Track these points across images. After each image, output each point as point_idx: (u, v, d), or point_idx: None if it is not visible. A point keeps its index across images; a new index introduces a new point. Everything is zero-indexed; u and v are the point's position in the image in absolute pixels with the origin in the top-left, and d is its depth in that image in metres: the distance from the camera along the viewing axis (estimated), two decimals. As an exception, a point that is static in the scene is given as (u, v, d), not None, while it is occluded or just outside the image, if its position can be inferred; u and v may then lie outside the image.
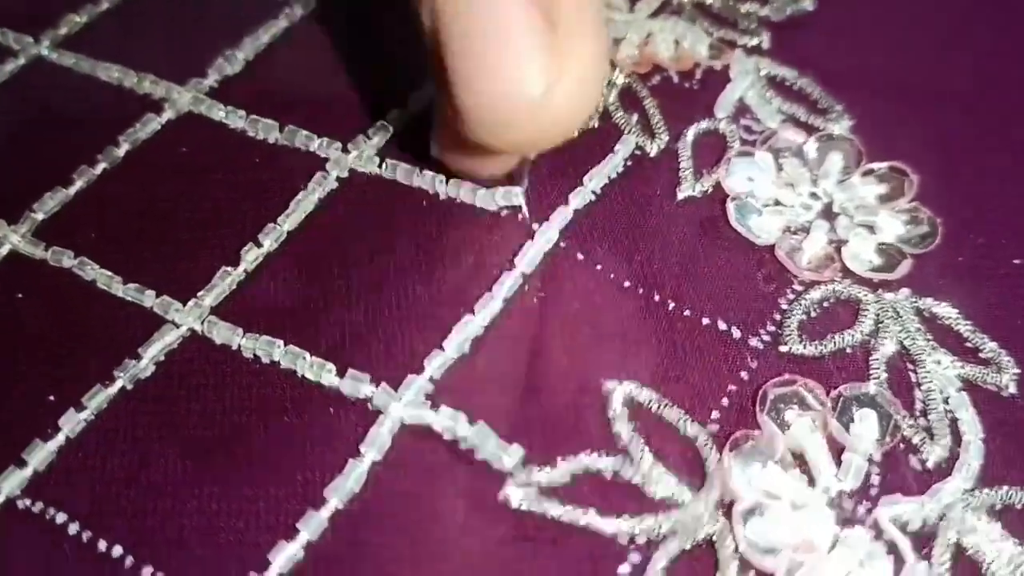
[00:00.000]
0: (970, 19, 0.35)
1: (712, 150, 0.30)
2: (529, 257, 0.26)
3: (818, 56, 0.33)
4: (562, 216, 0.28)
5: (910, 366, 0.25)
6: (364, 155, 0.29)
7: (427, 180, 0.28)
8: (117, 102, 0.31)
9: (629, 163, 0.30)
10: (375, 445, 0.23)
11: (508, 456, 0.23)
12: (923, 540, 0.23)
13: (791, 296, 0.27)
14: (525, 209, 0.27)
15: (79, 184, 0.29)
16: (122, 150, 0.30)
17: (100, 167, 0.29)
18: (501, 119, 0.21)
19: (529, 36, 0.20)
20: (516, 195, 0.27)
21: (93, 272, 0.27)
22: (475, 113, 0.21)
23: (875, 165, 0.29)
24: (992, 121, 0.31)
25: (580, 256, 0.27)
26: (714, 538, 0.22)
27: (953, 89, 0.32)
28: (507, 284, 0.26)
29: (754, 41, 0.34)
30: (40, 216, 0.28)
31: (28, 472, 0.23)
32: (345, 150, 0.29)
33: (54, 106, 0.31)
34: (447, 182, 0.28)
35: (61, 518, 0.22)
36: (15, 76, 0.32)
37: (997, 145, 0.31)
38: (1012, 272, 0.28)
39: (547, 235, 0.27)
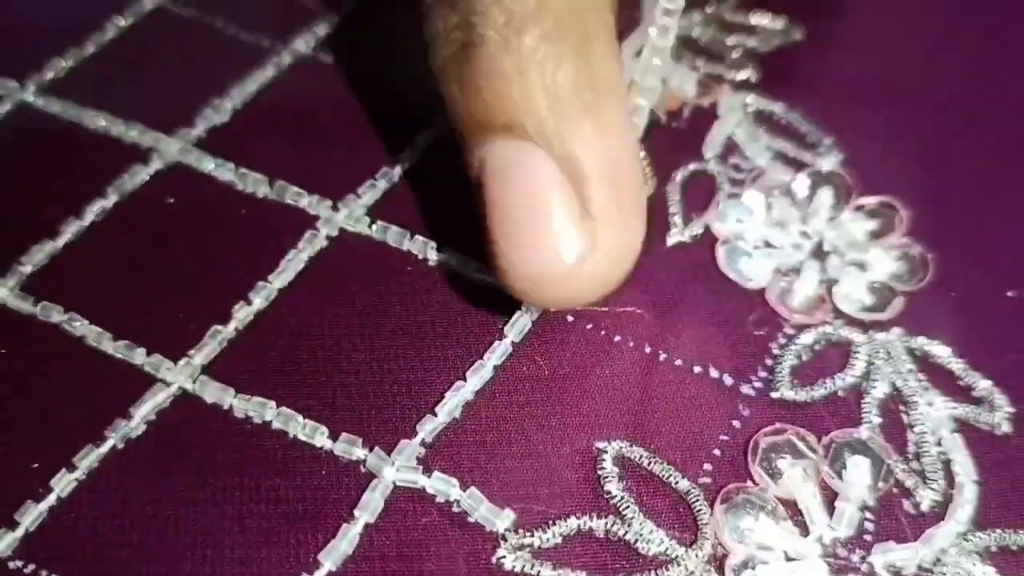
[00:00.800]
0: (964, 50, 0.35)
1: (702, 192, 0.30)
2: (519, 326, 0.27)
3: (808, 88, 0.34)
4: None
5: (903, 408, 0.26)
6: (354, 215, 0.29)
7: (418, 245, 0.28)
8: (104, 151, 0.31)
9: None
10: (368, 508, 0.23)
11: (500, 520, 0.23)
12: (918, 588, 0.22)
13: (782, 340, 0.27)
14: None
15: (67, 236, 0.29)
16: (110, 201, 0.29)
17: (88, 219, 0.29)
18: (536, 283, 0.23)
19: (564, 215, 0.23)
20: None
21: (83, 328, 0.26)
22: (513, 275, 0.23)
23: (865, 200, 0.30)
24: (984, 152, 0.32)
25: (570, 317, 0.27)
26: (708, 595, 0.22)
27: (944, 121, 0.33)
28: (497, 351, 0.26)
29: (742, 75, 0.34)
30: (28, 269, 0.28)
31: (20, 533, 0.23)
32: (335, 208, 0.29)
33: (40, 154, 0.31)
34: (438, 248, 0.28)
35: (52, 581, 0.22)
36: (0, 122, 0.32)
37: (989, 177, 0.31)
38: (1005, 306, 0.28)
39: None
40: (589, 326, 0.27)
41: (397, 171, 0.30)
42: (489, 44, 0.23)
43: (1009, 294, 0.28)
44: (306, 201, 0.29)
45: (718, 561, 0.23)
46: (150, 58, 0.34)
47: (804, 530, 0.23)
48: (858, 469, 0.24)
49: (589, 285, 0.24)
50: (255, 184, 0.30)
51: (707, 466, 0.24)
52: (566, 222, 0.23)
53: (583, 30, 0.23)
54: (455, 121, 0.25)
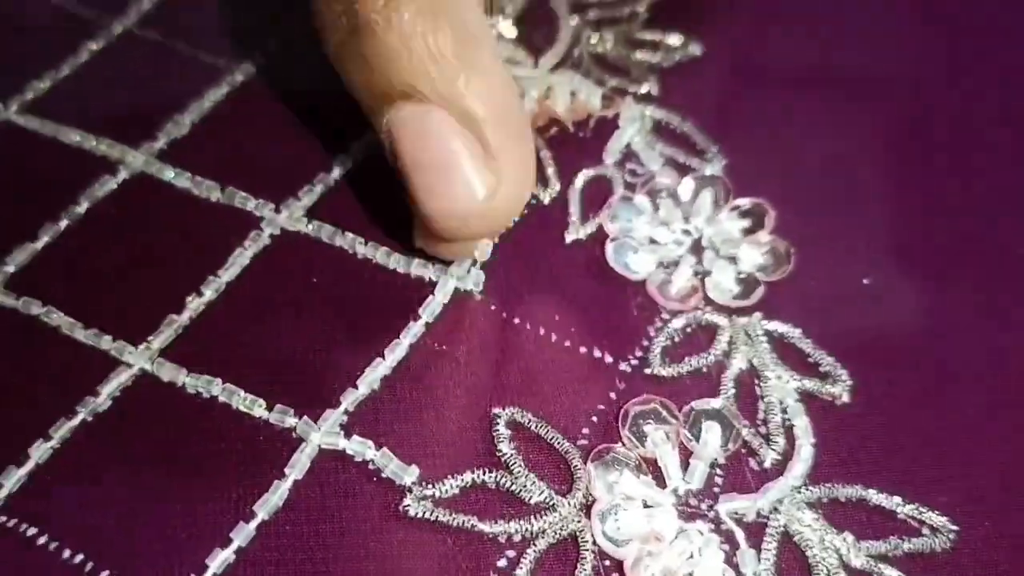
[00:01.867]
0: (838, 70, 0.39)
1: (599, 194, 0.35)
2: (431, 307, 0.31)
3: (702, 99, 0.38)
4: (460, 264, 0.32)
5: (756, 381, 0.30)
6: (294, 215, 0.33)
7: (348, 240, 0.33)
8: (77, 163, 0.35)
9: (525, 212, 0.34)
10: (297, 467, 0.28)
11: (407, 475, 0.28)
12: (756, 529, 0.27)
13: (658, 324, 0.31)
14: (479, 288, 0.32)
15: (45, 239, 0.33)
16: (82, 208, 0.34)
17: (63, 224, 0.33)
18: (457, 221, 0.28)
19: (470, 160, 0.27)
20: (477, 280, 0.32)
21: (58, 319, 0.31)
22: (436, 217, 0.28)
23: (740, 201, 0.34)
24: (854, 154, 0.36)
25: (478, 298, 0.31)
26: (577, 533, 0.27)
27: (814, 130, 0.37)
28: (412, 331, 0.30)
29: (643, 88, 0.38)
30: (11, 269, 0.32)
31: (3, 493, 0.27)
32: (277, 210, 0.33)
33: (21, 167, 0.35)
34: (365, 243, 0.32)
35: (32, 531, 0.27)
36: (-15, 139, 0.36)
37: (850, 177, 0.36)
38: (856, 294, 0.32)
39: (447, 286, 0.32)
40: (493, 307, 0.31)
41: (333, 175, 0.35)
42: (373, 26, 0.26)
43: (865, 281, 0.33)
44: (252, 204, 0.34)
45: (587, 508, 0.27)
46: (119, 78, 0.38)
47: (662, 483, 0.28)
48: (711, 432, 0.29)
49: (501, 214, 0.28)
50: (208, 190, 0.34)
51: (585, 430, 0.29)
52: (473, 166, 0.27)
53: None
54: (357, 97, 0.28)
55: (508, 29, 0.39)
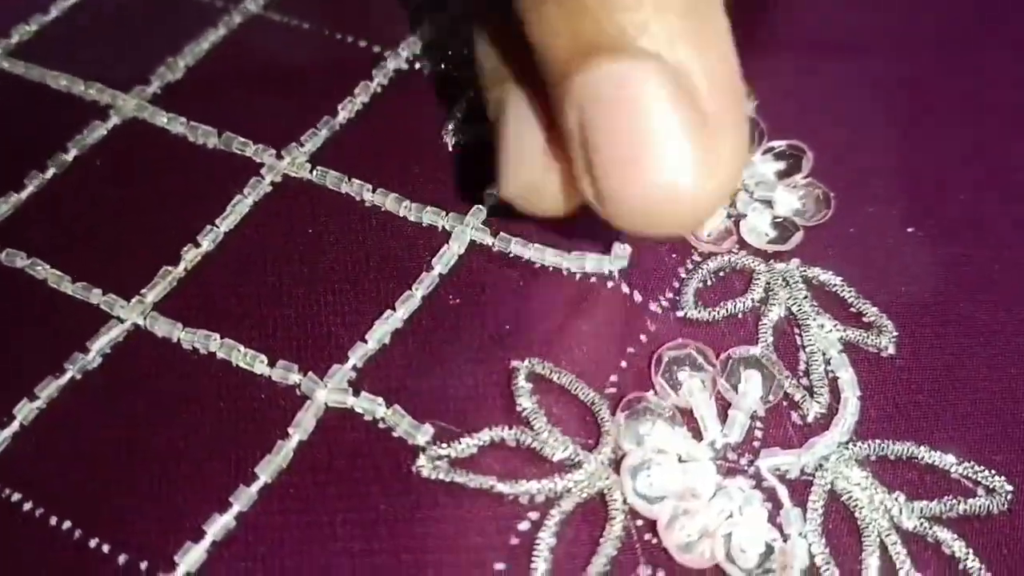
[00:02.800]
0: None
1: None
2: (446, 258, 0.29)
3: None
4: (477, 214, 0.30)
5: (796, 330, 0.28)
6: (296, 161, 0.31)
7: (355, 187, 0.30)
8: (65, 109, 0.33)
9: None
10: (301, 426, 0.26)
11: (421, 434, 0.25)
12: (800, 487, 0.25)
13: (690, 266, 0.29)
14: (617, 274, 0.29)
15: (30, 189, 0.31)
16: (70, 155, 0.32)
17: (50, 172, 0.31)
18: (651, 210, 0.22)
19: (684, 132, 0.21)
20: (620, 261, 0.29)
21: (44, 272, 0.29)
22: (624, 202, 0.22)
23: (775, 143, 0.32)
24: (886, 98, 0.34)
25: (496, 248, 0.29)
26: (605, 492, 0.25)
27: (852, 70, 0.35)
28: (425, 283, 0.28)
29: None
30: (-6, 220, 0.30)
31: (-15, 457, 0.25)
32: (279, 156, 0.31)
33: (6, 113, 0.33)
34: (373, 191, 0.30)
35: (16, 497, 0.25)
36: (-33, 85, 0.34)
37: (889, 120, 0.33)
38: (900, 241, 0.30)
39: (463, 236, 0.29)
40: (511, 255, 0.29)
41: (338, 120, 0.32)
42: None
43: (909, 230, 0.30)
44: (251, 150, 0.31)
45: (616, 463, 0.25)
46: (108, 21, 0.36)
47: (698, 436, 0.26)
48: (750, 382, 0.26)
49: (707, 205, 0.23)
50: (205, 136, 0.32)
51: (613, 377, 0.27)
52: (688, 136, 0.21)
53: None
54: (549, 55, 0.23)
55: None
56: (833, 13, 0.37)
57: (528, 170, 0.25)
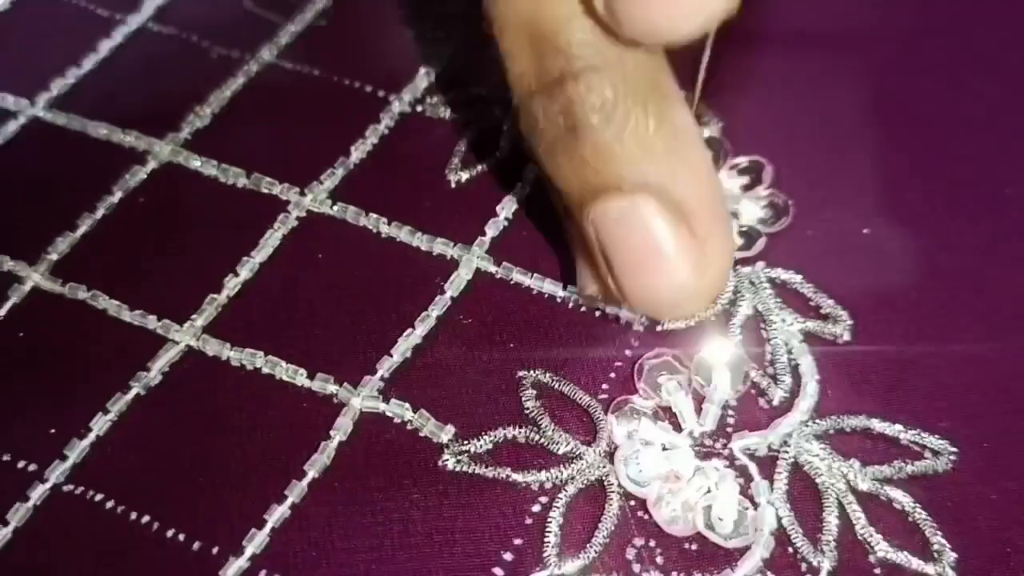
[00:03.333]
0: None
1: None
2: (456, 284, 0.33)
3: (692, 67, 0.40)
4: (481, 244, 0.34)
5: (762, 325, 0.32)
6: (318, 198, 0.35)
7: (371, 221, 0.35)
8: (106, 155, 0.37)
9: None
10: (341, 429, 0.30)
11: (444, 433, 0.30)
12: (767, 462, 0.29)
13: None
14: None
15: (83, 229, 0.35)
16: (116, 197, 0.36)
17: (99, 213, 0.35)
18: (668, 305, 0.29)
19: (680, 247, 0.28)
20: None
21: (104, 302, 0.33)
22: (640, 302, 0.29)
23: (738, 160, 0.36)
24: (837, 109, 0.38)
25: (499, 276, 0.34)
26: (603, 478, 0.29)
27: (805, 87, 0.39)
28: (439, 305, 0.33)
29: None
30: (54, 257, 0.34)
31: (68, 464, 0.29)
32: (302, 193, 0.35)
33: (53, 160, 0.37)
34: (389, 223, 0.34)
35: (99, 497, 0.29)
36: (16, 135, 0.38)
37: (846, 133, 0.37)
38: (853, 239, 0.34)
39: (471, 264, 0.34)
40: (512, 282, 0.33)
41: (353, 159, 0.37)
42: (591, 126, 0.27)
43: (865, 231, 0.35)
44: (278, 189, 0.36)
45: (611, 455, 0.29)
46: (138, 73, 0.40)
47: (678, 428, 0.30)
48: (721, 376, 0.31)
49: (709, 296, 0.30)
50: (235, 176, 0.36)
51: (605, 385, 0.31)
52: (684, 252, 0.28)
53: (660, 93, 0.28)
54: (565, 193, 0.29)
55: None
56: (784, 18, 0.42)
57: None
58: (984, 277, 0.33)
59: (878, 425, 0.30)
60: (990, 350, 0.32)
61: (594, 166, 0.28)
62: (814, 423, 0.30)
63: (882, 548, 0.28)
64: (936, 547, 0.28)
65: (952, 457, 0.29)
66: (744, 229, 0.34)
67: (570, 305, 0.33)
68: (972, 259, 0.34)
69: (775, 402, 0.31)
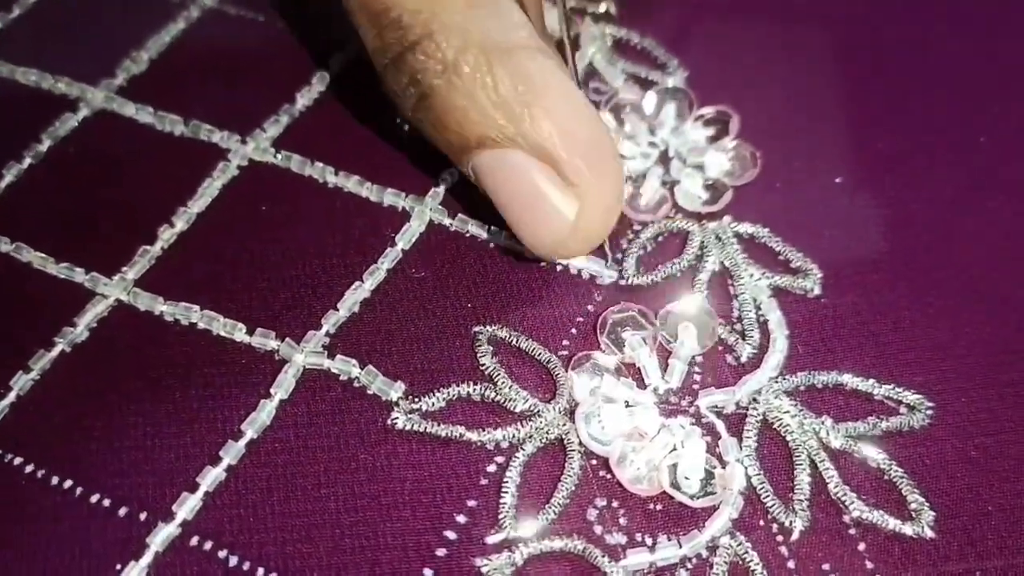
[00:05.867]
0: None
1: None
2: (408, 235, 0.31)
3: (660, 14, 0.38)
4: (435, 196, 0.32)
5: (729, 281, 0.31)
6: (260, 146, 0.33)
7: (317, 170, 0.33)
8: (36, 102, 0.35)
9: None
10: (283, 387, 0.28)
11: (393, 390, 0.28)
12: (736, 420, 0.28)
13: (631, 236, 0.32)
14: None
15: (8, 179, 0.33)
16: (45, 146, 0.33)
17: (27, 162, 0.33)
18: (553, 246, 0.29)
19: (552, 190, 0.28)
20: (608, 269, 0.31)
21: (29, 255, 0.31)
22: (535, 246, 0.29)
23: (704, 110, 0.34)
24: (806, 59, 0.37)
25: (454, 228, 0.32)
26: (563, 436, 0.27)
27: (773, 36, 0.37)
28: (390, 257, 0.31)
29: (601, 7, 0.38)
30: (-24, 209, 0.32)
31: (-15, 427, 0.27)
32: (243, 141, 0.33)
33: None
34: (336, 173, 0.32)
35: (17, 461, 0.27)
36: (-60, 83, 0.36)
37: (814, 83, 0.36)
38: (822, 191, 0.33)
39: (423, 215, 0.32)
40: (468, 234, 0.32)
41: (298, 106, 0.34)
42: (438, 91, 0.28)
43: (837, 180, 0.33)
44: (217, 136, 0.33)
45: (571, 412, 0.28)
46: (73, 17, 0.38)
47: (642, 385, 0.28)
48: (687, 332, 0.29)
49: (593, 233, 0.29)
50: (172, 124, 0.34)
51: (565, 341, 0.29)
52: (555, 194, 0.28)
53: (503, 46, 0.28)
54: (441, 148, 0.29)
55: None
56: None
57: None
58: (959, 228, 0.32)
59: (851, 381, 0.28)
60: (965, 302, 0.30)
61: (453, 127, 0.28)
62: (784, 379, 0.29)
63: (857, 507, 0.26)
64: (914, 506, 0.26)
65: (928, 412, 0.28)
66: (710, 182, 0.33)
67: (529, 259, 0.31)
68: (946, 210, 0.32)
69: (743, 359, 0.29)
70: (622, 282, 0.31)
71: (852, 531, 0.26)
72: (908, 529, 0.26)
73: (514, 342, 0.29)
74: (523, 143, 0.27)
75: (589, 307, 0.30)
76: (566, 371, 0.28)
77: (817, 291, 0.30)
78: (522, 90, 0.27)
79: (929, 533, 0.26)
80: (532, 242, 0.29)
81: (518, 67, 0.28)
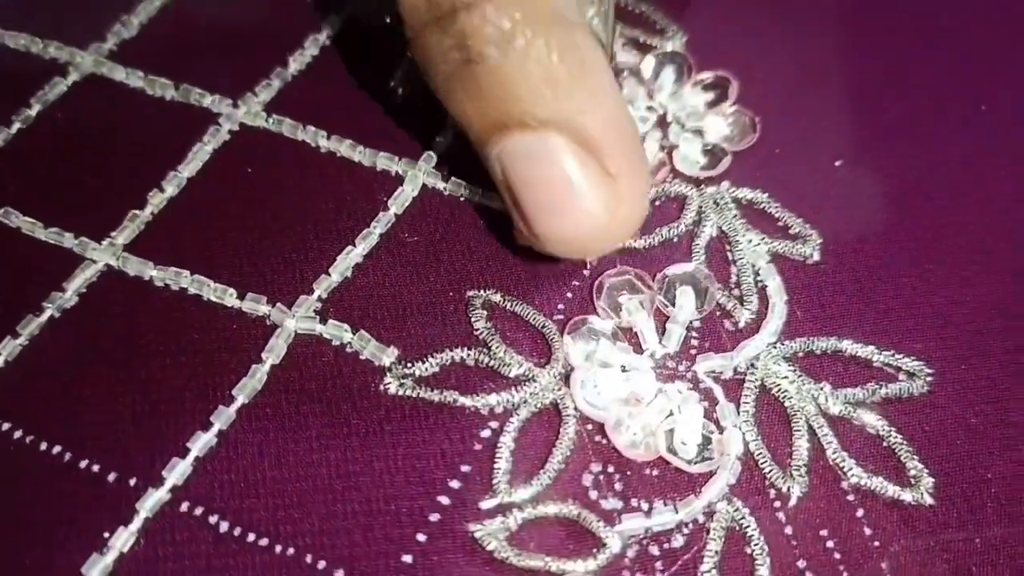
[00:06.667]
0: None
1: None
2: (401, 199, 0.31)
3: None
4: (428, 160, 0.32)
5: (727, 247, 0.30)
6: (252, 110, 0.33)
7: (310, 134, 0.32)
8: (25, 67, 0.34)
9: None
10: (274, 352, 0.27)
11: (386, 356, 0.27)
12: (734, 386, 0.28)
13: (627, 201, 0.31)
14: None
15: (-2, 144, 0.32)
16: (34, 111, 0.33)
17: (15, 127, 0.32)
18: (578, 243, 0.27)
19: (591, 183, 0.26)
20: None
21: (17, 220, 0.30)
22: (557, 240, 0.27)
23: (703, 75, 0.34)
24: (807, 24, 0.36)
25: (448, 192, 0.31)
26: (557, 401, 0.27)
27: (774, 7, 0.37)
28: (383, 221, 0.30)
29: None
30: (-36, 174, 0.31)
31: (-28, 392, 0.27)
32: (235, 105, 0.33)
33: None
34: (328, 137, 0.32)
35: (6, 426, 0.26)
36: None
37: (815, 47, 0.36)
38: (823, 157, 0.32)
39: (417, 179, 0.31)
40: (461, 198, 0.31)
41: (290, 71, 0.34)
42: (489, 59, 0.25)
43: (837, 163, 0.33)
44: (209, 100, 0.33)
45: (566, 377, 0.27)
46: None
47: (639, 350, 0.28)
48: (685, 297, 0.29)
49: (621, 234, 0.28)
50: (162, 88, 0.33)
51: (560, 306, 0.29)
52: (594, 188, 0.26)
53: (564, 22, 0.26)
54: (466, 125, 0.27)
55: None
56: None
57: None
58: (960, 195, 0.32)
59: (850, 347, 0.28)
60: (967, 268, 0.30)
61: (494, 101, 0.26)
62: (782, 345, 0.28)
63: (855, 473, 0.26)
64: (913, 472, 0.26)
65: (928, 379, 0.28)
66: (709, 147, 0.32)
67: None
68: (948, 174, 0.32)
69: (741, 324, 0.29)
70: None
71: (850, 497, 0.26)
72: (907, 496, 0.26)
73: (509, 306, 0.29)
74: (568, 126, 0.25)
75: (584, 271, 0.30)
76: (561, 336, 0.28)
77: (817, 257, 0.30)
78: (576, 73, 0.26)
79: (928, 500, 0.26)
80: (556, 236, 0.27)
81: (576, 46, 0.26)
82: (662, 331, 0.28)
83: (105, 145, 0.32)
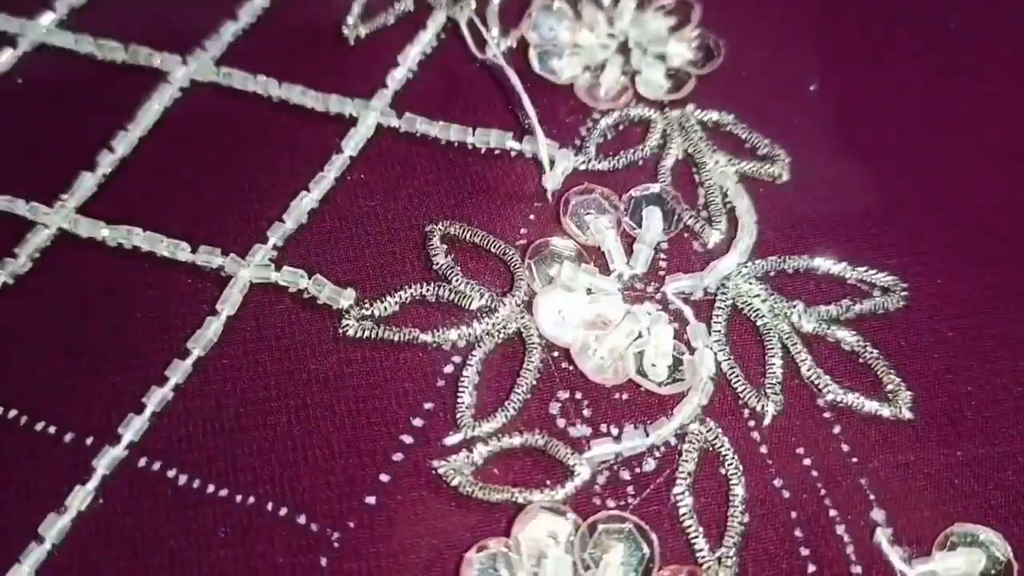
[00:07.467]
0: None
1: (520, 9, 0.33)
2: (355, 140, 0.30)
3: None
4: (381, 98, 0.31)
5: (693, 169, 0.29)
6: (202, 66, 0.32)
7: (260, 84, 0.31)
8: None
9: (442, 36, 0.33)
10: (229, 302, 0.27)
11: (343, 298, 0.27)
12: (704, 306, 0.27)
13: (590, 124, 0.30)
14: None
15: (-58, 115, 0.31)
16: (-16, 81, 0.32)
17: (-36, 99, 0.32)
18: None
19: None
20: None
21: (-35, 189, 0.29)
22: None
23: (664, 0, 0.33)
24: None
25: (403, 129, 0.30)
26: (521, 330, 0.26)
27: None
28: (336, 164, 0.29)
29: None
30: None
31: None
32: (185, 62, 0.32)
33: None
34: (279, 85, 0.31)
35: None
36: None
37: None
38: (789, 79, 0.31)
39: (369, 120, 0.30)
40: (418, 134, 0.30)
41: (241, 24, 0.33)
42: None
43: (811, 87, 0.32)
44: (158, 60, 0.32)
45: (529, 304, 0.26)
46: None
47: (605, 271, 0.27)
48: (652, 217, 0.28)
49: None
50: (111, 51, 0.33)
51: (523, 230, 0.28)
52: None
53: None
54: None
55: None
56: None
57: None
58: (931, 112, 0.31)
59: (823, 264, 0.27)
60: (937, 183, 0.29)
61: None
62: (753, 264, 0.27)
63: (831, 390, 0.25)
64: (890, 387, 0.25)
65: (903, 294, 0.27)
66: (673, 71, 0.31)
67: (483, 150, 0.29)
68: (917, 94, 0.31)
69: (710, 244, 0.28)
70: (582, 167, 0.29)
71: (827, 414, 0.25)
72: (885, 411, 0.25)
73: (468, 237, 0.28)
74: None
75: (548, 193, 0.29)
76: (523, 261, 0.27)
77: (786, 177, 0.29)
78: None
79: (907, 415, 0.25)
80: None
81: None
82: (629, 252, 0.27)
83: (53, 110, 0.32)
